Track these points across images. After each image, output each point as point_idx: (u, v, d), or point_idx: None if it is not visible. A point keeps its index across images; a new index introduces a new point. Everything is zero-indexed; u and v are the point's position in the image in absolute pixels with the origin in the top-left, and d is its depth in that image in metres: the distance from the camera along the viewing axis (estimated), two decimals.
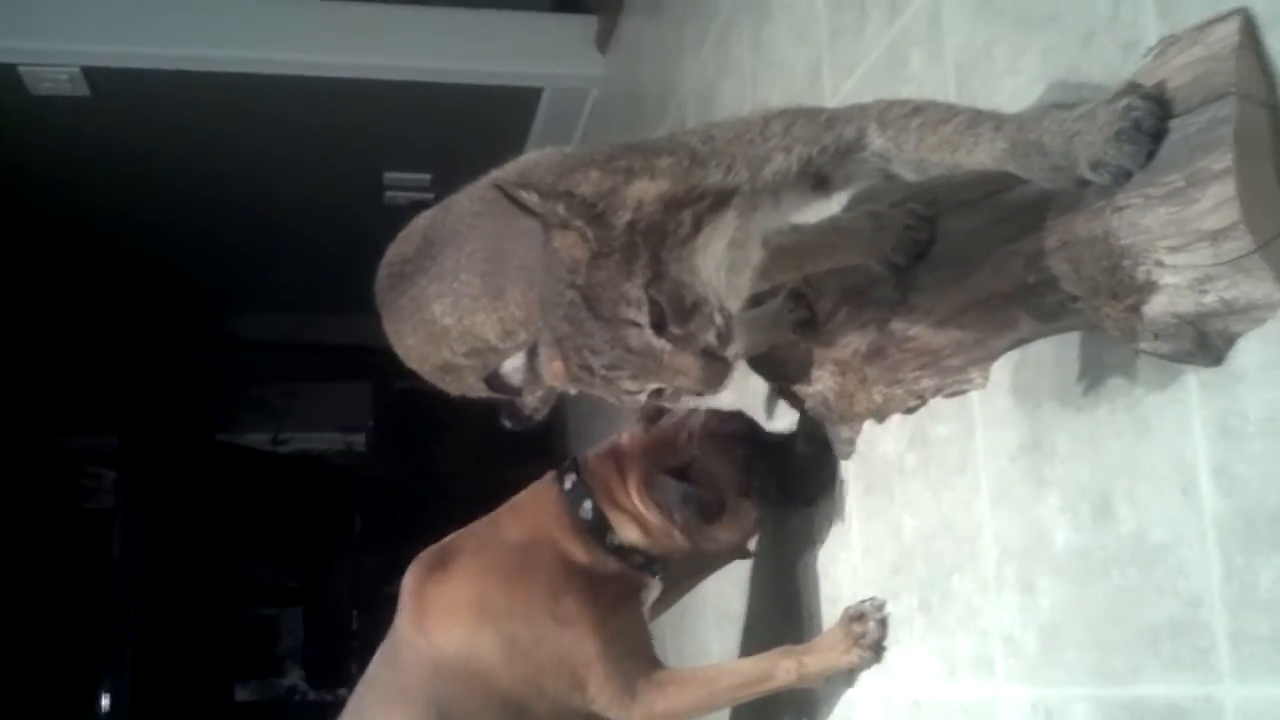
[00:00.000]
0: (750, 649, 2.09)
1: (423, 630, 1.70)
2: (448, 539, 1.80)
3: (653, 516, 1.70)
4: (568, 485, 1.74)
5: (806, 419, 1.78)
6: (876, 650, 1.62)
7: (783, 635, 1.87)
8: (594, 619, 1.68)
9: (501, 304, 1.32)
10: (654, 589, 1.80)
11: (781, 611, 1.99)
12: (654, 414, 1.78)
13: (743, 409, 1.84)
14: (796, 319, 1.62)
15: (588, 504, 1.71)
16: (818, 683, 1.69)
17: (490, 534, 1.77)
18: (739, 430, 1.74)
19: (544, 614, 1.67)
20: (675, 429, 1.75)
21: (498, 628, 1.67)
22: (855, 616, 1.65)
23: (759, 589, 2.10)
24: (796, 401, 1.77)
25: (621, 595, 1.74)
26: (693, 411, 1.76)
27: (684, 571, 1.95)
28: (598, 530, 1.71)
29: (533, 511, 1.76)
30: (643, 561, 1.74)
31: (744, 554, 1.99)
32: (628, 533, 1.71)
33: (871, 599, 1.65)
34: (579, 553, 1.71)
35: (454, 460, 4.93)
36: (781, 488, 1.74)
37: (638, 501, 1.70)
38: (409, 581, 1.74)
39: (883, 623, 1.62)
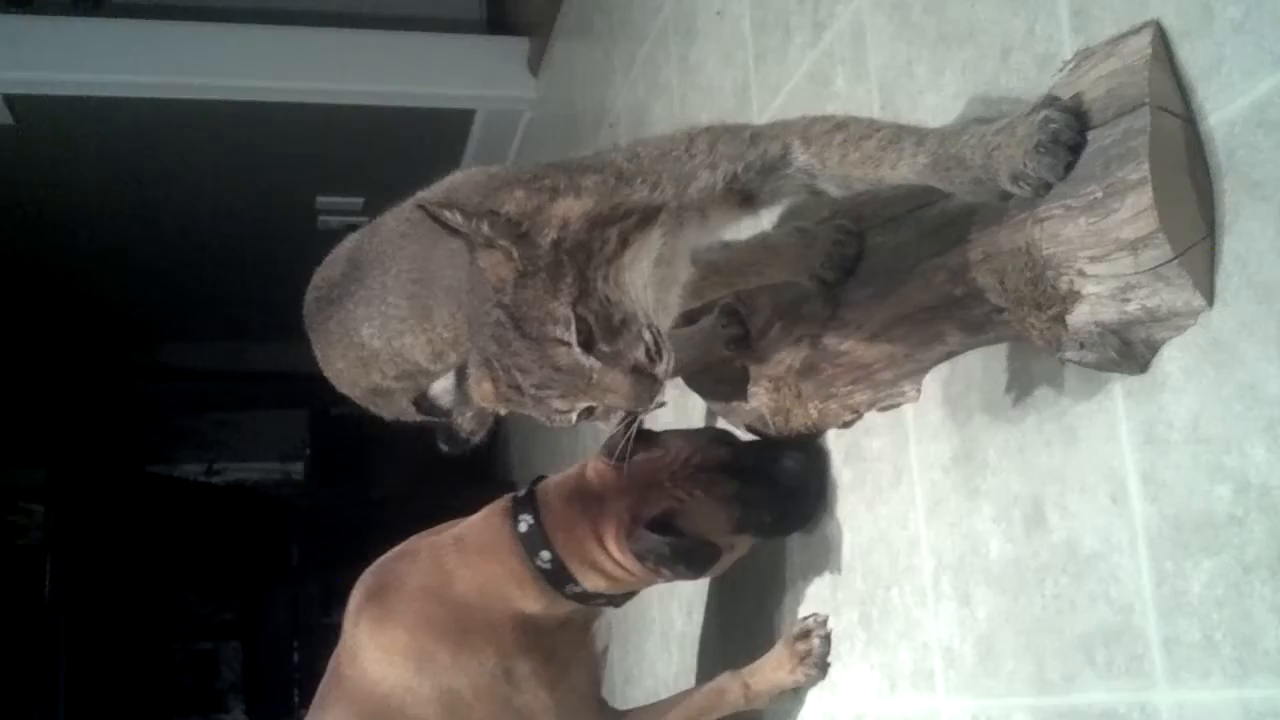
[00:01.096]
0: (699, 669, 2.08)
1: (357, 666, 1.63)
2: (394, 558, 1.68)
3: (632, 566, 1.55)
4: (523, 528, 1.58)
5: None
6: (821, 667, 1.62)
7: (729, 655, 1.87)
8: (548, 680, 1.60)
9: (429, 325, 1.30)
10: (609, 615, 1.73)
11: (727, 632, 1.98)
12: (621, 450, 1.57)
13: (717, 425, 1.77)
14: (730, 336, 1.62)
15: (546, 554, 1.56)
16: (764, 703, 1.68)
17: (437, 576, 1.62)
18: (724, 459, 1.59)
19: (493, 677, 1.58)
20: (653, 468, 1.57)
21: (436, 682, 1.58)
22: (799, 635, 1.64)
23: (704, 610, 2.09)
24: (735, 418, 1.76)
25: (575, 643, 1.66)
26: (670, 436, 1.62)
27: None
28: (558, 582, 1.57)
29: (483, 558, 1.61)
30: (605, 600, 1.64)
31: None
32: (592, 582, 1.58)
33: (814, 615, 1.64)
34: (532, 602, 1.59)
35: (393, 486, 4.88)
36: (774, 516, 1.61)
37: (615, 552, 1.54)
38: (352, 605, 1.66)
39: (826, 639, 1.62)
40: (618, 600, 1.66)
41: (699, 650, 2.11)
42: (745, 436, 1.71)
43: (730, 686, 1.68)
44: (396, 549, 1.71)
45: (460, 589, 1.60)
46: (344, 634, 1.67)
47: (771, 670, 1.65)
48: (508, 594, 1.58)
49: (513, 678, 1.58)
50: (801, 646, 1.63)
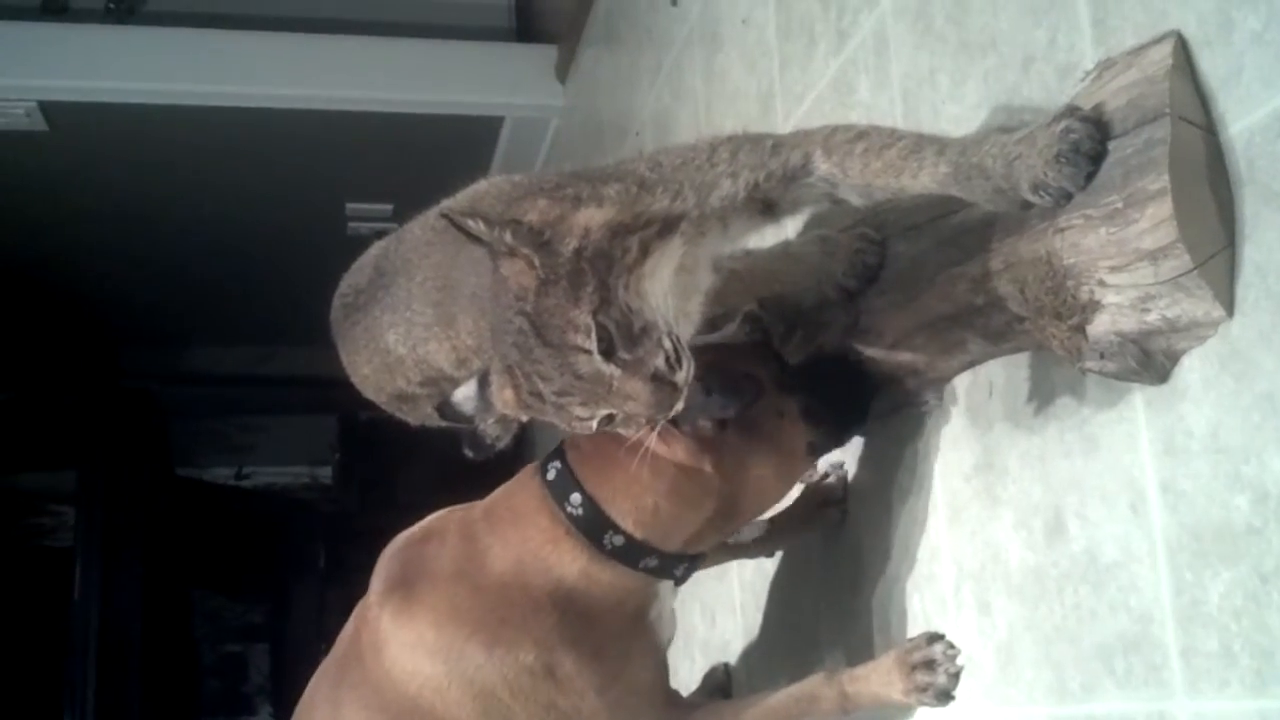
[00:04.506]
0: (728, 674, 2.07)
1: (382, 660, 1.50)
2: (419, 540, 1.52)
3: (673, 450, 1.35)
4: (551, 475, 1.41)
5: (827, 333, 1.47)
6: (943, 700, 1.40)
7: (763, 660, 1.87)
8: (598, 682, 1.43)
9: (454, 332, 1.32)
10: (667, 599, 1.51)
11: (754, 635, 1.98)
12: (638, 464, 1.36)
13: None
14: (752, 343, 1.62)
15: (576, 496, 1.37)
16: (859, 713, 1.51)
17: (468, 558, 1.45)
18: (763, 343, 1.45)
19: (533, 675, 1.41)
20: None
21: (469, 682, 1.42)
22: (923, 664, 1.41)
23: (727, 614, 2.09)
24: None
25: (630, 635, 1.47)
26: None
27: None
28: (593, 530, 1.38)
29: (515, 526, 1.44)
30: (656, 565, 1.42)
31: (769, 549, 1.79)
32: (630, 520, 1.37)
33: (944, 642, 1.42)
34: (570, 562, 1.39)
35: (420, 492, 4.89)
36: (822, 400, 1.41)
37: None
38: (376, 588, 1.50)
39: (955, 677, 1.40)
40: (675, 569, 1.46)
41: (731, 654, 2.11)
42: None
43: (825, 694, 1.48)
44: (421, 526, 1.57)
45: (495, 570, 1.43)
46: (368, 617, 1.53)
47: (880, 686, 1.44)
48: (545, 561, 1.40)
49: (555, 677, 1.42)
50: (922, 678, 1.40)
